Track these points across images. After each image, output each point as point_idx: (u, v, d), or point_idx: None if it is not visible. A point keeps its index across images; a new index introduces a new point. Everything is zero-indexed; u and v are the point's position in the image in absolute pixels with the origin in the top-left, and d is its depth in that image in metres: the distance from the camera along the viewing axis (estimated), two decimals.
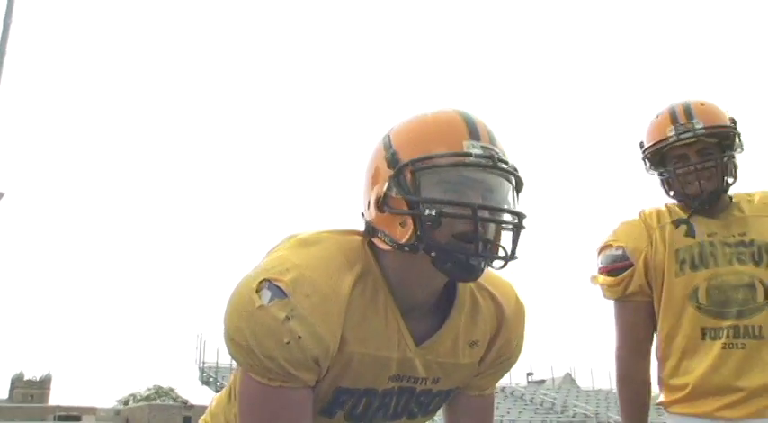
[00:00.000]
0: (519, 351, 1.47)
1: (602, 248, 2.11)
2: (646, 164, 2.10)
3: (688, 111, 1.98)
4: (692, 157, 1.97)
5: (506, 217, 1.22)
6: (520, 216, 1.21)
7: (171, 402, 51.68)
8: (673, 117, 1.99)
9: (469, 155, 1.18)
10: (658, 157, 2.04)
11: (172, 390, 60.62)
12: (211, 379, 23.05)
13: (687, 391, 1.96)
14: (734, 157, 1.98)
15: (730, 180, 1.97)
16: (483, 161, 1.18)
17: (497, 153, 1.21)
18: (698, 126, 1.95)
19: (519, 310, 1.44)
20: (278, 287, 1.17)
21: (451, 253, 1.17)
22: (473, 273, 1.19)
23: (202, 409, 1.67)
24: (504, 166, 1.20)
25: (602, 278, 2.10)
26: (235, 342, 1.19)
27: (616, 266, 2.05)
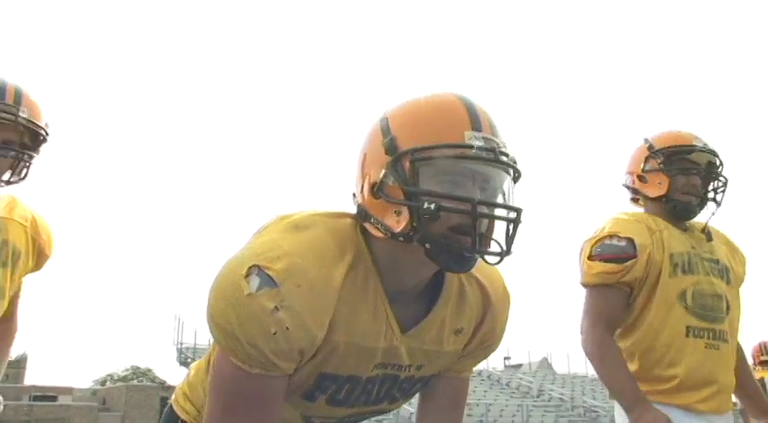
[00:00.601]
0: (501, 338, 1.47)
1: (605, 237, 2.23)
2: (645, 163, 2.31)
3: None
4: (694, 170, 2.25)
5: (504, 212, 1.20)
6: (518, 211, 1.19)
7: (148, 383, 51.53)
8: (695, 136, 2.31)
9: (471, 147, 1.16)
10: (669, 159, 2.27)
11: (149, 370, 60.46)
12: (189, 360, 22.98)
13: (675, 382, 2.13)
14: (725, 188, 2.26)
15: (718, 198, 2.26)
16: (484, 154, 1.16)
17: (498, 145, 1.19)
18: (712, 148, 2.29)
19: (505, 297, 1.44)
20: (268, 275, 1.14)
21: (446, 245, 1.15)
22: (466, 264, 1.19)
23: None
24: (505, 158, 1.19)
25: (600, 264, 2.20)
26: (219, 325, 1.16)
27: (620, 256, 2.19)
